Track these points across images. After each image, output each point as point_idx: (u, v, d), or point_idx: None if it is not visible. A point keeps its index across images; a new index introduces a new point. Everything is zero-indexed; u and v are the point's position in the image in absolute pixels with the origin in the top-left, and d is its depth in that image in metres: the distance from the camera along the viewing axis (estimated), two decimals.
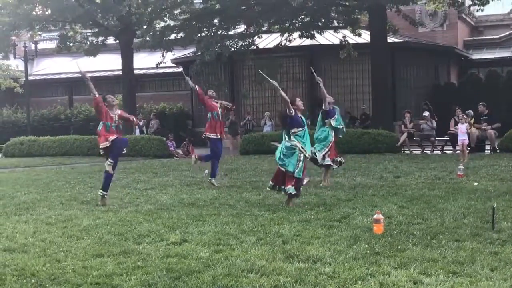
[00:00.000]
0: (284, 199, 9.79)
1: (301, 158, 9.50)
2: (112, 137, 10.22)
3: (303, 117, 9.82)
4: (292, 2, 19.25)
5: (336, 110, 12.15)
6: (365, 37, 24.71)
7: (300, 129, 9.60)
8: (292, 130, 9.57)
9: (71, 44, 29.12)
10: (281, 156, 9.57)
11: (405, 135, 20.07)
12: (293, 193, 9.47)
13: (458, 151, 17.51)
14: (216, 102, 12.84)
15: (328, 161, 11.77)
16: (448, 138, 20.17)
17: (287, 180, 9.51)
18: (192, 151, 23.26)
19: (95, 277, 5.73)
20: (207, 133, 12.63)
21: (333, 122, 11.85)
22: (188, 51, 28.87)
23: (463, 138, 15.94)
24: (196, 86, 13.25)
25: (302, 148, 9.49)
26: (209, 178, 12.68)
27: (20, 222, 8.80)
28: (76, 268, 6.07)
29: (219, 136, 12.65)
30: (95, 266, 6.14)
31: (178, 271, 5.85)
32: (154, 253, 6.60)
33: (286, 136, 9.66)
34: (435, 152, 20.06)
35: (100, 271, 5.94)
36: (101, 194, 10.42)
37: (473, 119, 19.24)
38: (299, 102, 9.79)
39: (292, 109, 9.58)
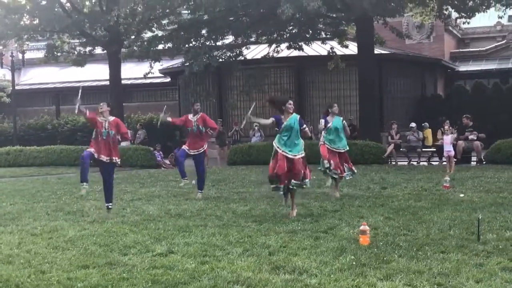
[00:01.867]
0: (272, 209, 9.79)
1: (279, 157, 9.55)
2: (102, 157, 10.08)
3: (291, 120, 9.74)
4: (282, 16, 19.30)
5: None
6: (353, 48, 24.85)
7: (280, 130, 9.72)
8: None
9: (59, 54, 29.00)
10: None
11: (392, 146, 20.17)
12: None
13: (444, 163, 17.60)
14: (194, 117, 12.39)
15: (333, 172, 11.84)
16: (434, 150, 20.30)
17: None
18: None
19: None
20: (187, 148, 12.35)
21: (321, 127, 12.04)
22: (177, 62, 28.87)
23: (448, 150, 16.02)
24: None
25: (278, 147, 9.60)
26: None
27: (5, 233, 8.74)
28: (61, 280, 6.03)
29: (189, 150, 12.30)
30: (80, 277, 6.10)
31: (163, 282, 5.83)
32: (139, 264, 6.57)
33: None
34: (421, 163, 20.17)
35: (85, 282, 5.90)
36: (106, 206, 10.38)
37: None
38: (288, 105, 9.81)
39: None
